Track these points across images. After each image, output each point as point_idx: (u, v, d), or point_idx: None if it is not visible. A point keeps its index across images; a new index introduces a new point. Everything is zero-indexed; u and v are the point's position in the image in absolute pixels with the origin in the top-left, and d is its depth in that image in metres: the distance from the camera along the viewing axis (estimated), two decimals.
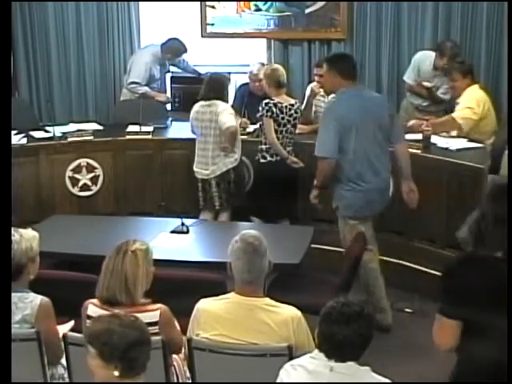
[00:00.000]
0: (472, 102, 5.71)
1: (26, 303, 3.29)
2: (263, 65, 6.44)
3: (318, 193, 4.89)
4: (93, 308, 3.31)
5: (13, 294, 3.29)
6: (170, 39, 7.00)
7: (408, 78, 6.66)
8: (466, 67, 5.92)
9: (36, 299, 3.33)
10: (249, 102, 6.32)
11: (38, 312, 3.29)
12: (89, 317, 3.31)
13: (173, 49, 7.01)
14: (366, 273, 4.81)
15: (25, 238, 3.41)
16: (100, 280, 3.33)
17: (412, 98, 6.72)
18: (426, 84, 6.48)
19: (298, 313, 3.19)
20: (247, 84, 6.64)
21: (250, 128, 6.14)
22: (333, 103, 4.92)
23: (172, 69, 7.41)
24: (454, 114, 5.74)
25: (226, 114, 5.55)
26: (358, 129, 4.68)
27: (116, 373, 2.59)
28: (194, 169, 5.74)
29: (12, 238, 3.38)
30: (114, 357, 2.59)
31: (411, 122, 5.92)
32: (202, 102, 5.68)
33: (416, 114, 6.48)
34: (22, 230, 3.48)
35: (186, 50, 7.04)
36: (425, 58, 6.55)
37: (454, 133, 5.81)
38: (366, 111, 4.72)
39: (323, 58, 6.74)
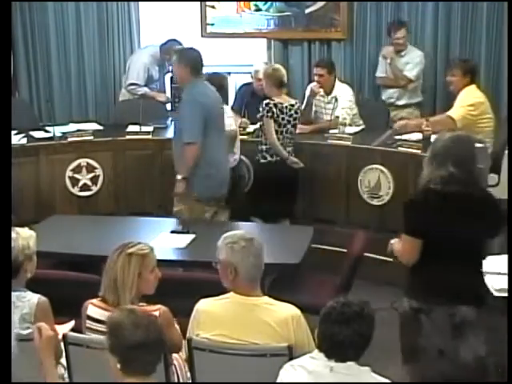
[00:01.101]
0: (468, 101, 5.70)
1: (24, 302, 3.29)
2: (267, 64, 6.44)
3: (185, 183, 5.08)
4: (93, 308, 3.31)
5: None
6: (168, 40, 6.99)
7: (379, 72, 6.79)
8: (468, 66, 5.90)
9: (34, 298, 3.33)
10: (250, 102, 6.32)
11: (36, 311, 3.29)
12: (89, 317, 3.31)
13: (171, 49, 7.00)
14: None
15: (22, 236, 3.41)
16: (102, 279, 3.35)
17: (385, 95, 6.77)
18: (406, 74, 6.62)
19: (298, 311, 3.19)
20: (248, 84, 6.65)
21: (250, 128, 6.14)
22: (194, 93, 5.08)
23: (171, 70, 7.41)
24: (449, 113, 5.73)
25: (225, 118, 5.55)
26: (215, 117, 5.11)
27: (118, 366, 2.62)
28: None
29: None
30: (117, 351, 2.62)
31: (401, 123, 5.92)
32: None
33: (392, 111, 6.55)
34: (18, 229, 3.48)
35: None
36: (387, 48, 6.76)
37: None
38: (216, 102, 5.22)
39: (322, 59, 6.79)
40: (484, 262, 3.49)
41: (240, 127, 5.92)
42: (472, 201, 3.27)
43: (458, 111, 5.67)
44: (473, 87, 5.81)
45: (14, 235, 3.39)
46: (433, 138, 5.52)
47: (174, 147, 5.29)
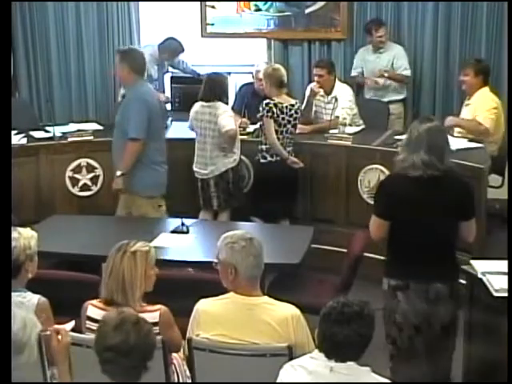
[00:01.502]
0: (490, 104, 5.71)
1: (24, 302, 3.29)
2: (267, 64, 6.45)
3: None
4: (93, 309, 3.31)
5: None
6: (167, 39, 6.99)
7: (354, 69, 6.90)
8: (481, 66, 5.89)
9: (34, 298, 3.33)
10: (250, 102, 6.31)
11: (35, 311, 3.28)
12: (89, 318, 3.31)
13: (170, 48, 7.00)
14: None
15: (23, 236, 3.42)
16: (102, 280, 3.35)
17: (368, 94, 6.85)
18: (377, 80, 6.70)
19: (297, 311, 3.20)
20: (249, 84, 6.65)
21: (250, 128, 6.14)
22: (141, 92, 5.24)
23: (171, 70, 7.40)
24: (478, 118, 5.71)
25: (225, 117, 5.55)
26: (157, 117, 5.32)
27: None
28: (194, 168, 5.75)
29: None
30: (96, 350, 2.60)
31: (455, 119, 5.87)
32: (201, 102, 5.68)
33: None
34: (20, 229, 3.48)
35: (183, 50, 7.03)
36: (365, 48, 6.85)
37: (456, 133, 5.83)
38: (158, 103, 5.48)
39: (322, 59, 6.79)
40: (484, 262, 3.62)
41: (240, 127, 5.92)
42: (442, 185, 3.49)
43: (485, 116, 5.66)
44: (486, 89, 5.80)
45: (15, 235, 3.39)
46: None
47: (113, 144, 5.42)
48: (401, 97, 6.83)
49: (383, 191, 3.63)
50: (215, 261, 3.32)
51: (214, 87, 5.65)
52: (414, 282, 3.50)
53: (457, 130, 5.83)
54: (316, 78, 6.26)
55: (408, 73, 6.72)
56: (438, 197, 3.48)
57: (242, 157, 5.82)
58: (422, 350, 3.54)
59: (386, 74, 6.67)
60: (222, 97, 5.68)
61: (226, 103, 5.77)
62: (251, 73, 6.69)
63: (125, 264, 3.29)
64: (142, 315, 3.07)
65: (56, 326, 3.00)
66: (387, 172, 5.55)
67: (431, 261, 3.49)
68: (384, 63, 6.73)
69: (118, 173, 5.26)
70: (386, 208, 3.55)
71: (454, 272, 3.61)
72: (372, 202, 5.57)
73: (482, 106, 5.71)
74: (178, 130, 6.44)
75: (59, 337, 2.93)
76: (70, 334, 3.28)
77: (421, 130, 3.49)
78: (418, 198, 3.48)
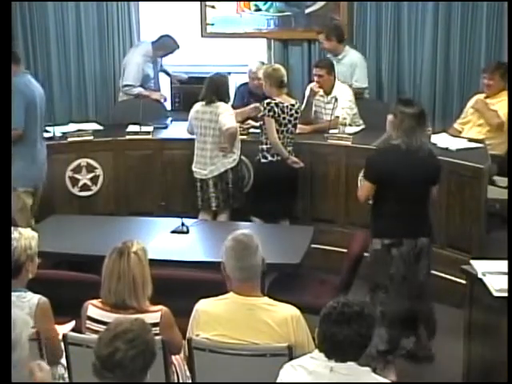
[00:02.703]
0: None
1: (24, 302, 3.29)
2: (262, 63, 6.44)
3: None
4: (94, 309, 3.30)
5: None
6: (161, 36, 6.96)
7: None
8: (505, 70, 5.88)
9: (34, 298, 3.32)
10: (249, 101, 6.30)
11: (36, 311, 3.28)
12: (89, 317, 3.30)
13: (164, 45, 6.97)
14: None
15: (24, 236, 3.42)
16: (105, 284, 3.30)
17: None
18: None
19: (297, 311, 3.20)
20: (246, 84, 6.64)
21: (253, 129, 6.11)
22: (18, 84, 5.27)
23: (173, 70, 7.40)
24: (501, 112, 5.75)
25: (226, 115, 5.55)
26: (34, 109, 5.41)
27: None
28: (193, 169, 5.75)
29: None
30: (95, 355, 2.56)
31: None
32: (202, 102, 5.68)
33: None
34: (21, 229, 3.48)
35: (178, 47, 7.00)
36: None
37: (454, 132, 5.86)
38: (38, 96, 5.52)
39: (321, 59, 6.78)
40: (484, 262, 3.65)
41: (241, 127, 5.92)
42: (421, 157, 4.17)
43: (505, 112, 5.71)
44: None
45: (16, 235, 3.39)
46: (433, 138, 5.57)
47: None
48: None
49: (374, 159, 4.29)
50: (218, 260, 3.34)
51: (215, 88, 5.64)
52: (406, 239, 4.13)
53: (460, 127, 5.86)
54: (316, 78, 6.26)
55: (362, 85, 6.60)
56: (419, 167, 4.17)
57: (242, 157, 5.82)
58: (408, 295, 4.20)
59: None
60: (224, 97, 5.67)
61: (227, 102, 5.76)
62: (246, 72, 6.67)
63: (133, 266, 3.27)
64: (143, 316, 3.08)
65: (38, 362, 2.90)
66: None
67: (416, 220, 4.19)
68: (343, 70, 6.60)
69: None
70: (374, 173, 4.20)
71: (430, 228, 4.32)
72: (372, 202, 5.63)
73: (505, 105, 5.75)
74: (177, 129, 6.44)
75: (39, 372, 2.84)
76: (69, 334, 3.29)
77: (410, 114, 4.13)
78: (401, 167, 4.13)
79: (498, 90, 5.86)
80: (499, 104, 5.81)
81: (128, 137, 6.25)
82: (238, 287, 3.23)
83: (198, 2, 7.31)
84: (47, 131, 6.23)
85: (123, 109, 6.86)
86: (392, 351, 4.26)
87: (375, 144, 5.75)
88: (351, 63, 6.59)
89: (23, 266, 3.39)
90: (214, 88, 5.63)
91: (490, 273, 3.61)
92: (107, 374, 2.50)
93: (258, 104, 5.83)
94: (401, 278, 4.17)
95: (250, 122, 6.14)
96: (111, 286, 3.26)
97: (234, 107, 5.99)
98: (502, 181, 5.77)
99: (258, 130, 5.86)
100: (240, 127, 5.82)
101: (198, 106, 5.70)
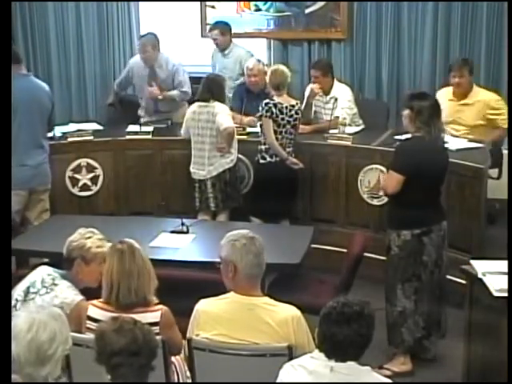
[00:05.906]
0: (502, 101, 5.86)
1: (62, 315, 3.28)
2: (259, 61, 6.42)
3: None
4: (93, 309, 3.31)
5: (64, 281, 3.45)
6: (145, 34, 6.71)
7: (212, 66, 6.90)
8: (472, 65, 5.90)
9: (76, 299, 3.41)
10: (248, 100, 6.28)
11: (70, 311, 3.31)
12: (89, 317, 3.30)
13: (147, 44, 6.69)
14: None
15: (93, 237, 3.62)
16: (107, 285, 3.31)
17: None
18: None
19: (298, 312, 3.19)
20: (243, 84, 6.63)
21: (251, 129, 6.10)
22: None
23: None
24: (502, 121, 5.83)
25: (223, 115, 5.55)
26: (21, 109, 5.19)
27: (108, 376, 2.58)
28: (191, 169, 5.74)
29: (81, 231, 3.65)
30: (102, 359, 2.58)
31: None
32: (199, 103, 5.68)
33: None
34: (97, 235, 3.69)
35: (158, 41, 6.57)
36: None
37: (456, 133, 5.85)
38: (32, 95, 5.31)
39: (318, 60, 6.77)
40: (484, 262, 3.69)
41: (240, 127, 5.92)
42: (439, 146, 4.40)
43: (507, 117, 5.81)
44: (478, 87, 5.86)
45: (85, 233, 3.63)
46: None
47: None
48: None
49: (402, 151, 4.40)
50: (218, 260, 3.33)
51: (212, 87, 5.64)
52: (434, 226, 4.29)
53: (458, 128, 5.86)
54: (313, 80, 6.27)
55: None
56: (440, 154, 4.40)
57: (242, 157, 5.82)
58: (439, 279, 4.40)
59: None
60: (220, 97, 5.67)
61: (225, 103, 5.77)
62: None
63: (140, 264, 3.30)
64: (143, 315, 3.08)
65: None
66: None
67: (438, 206, 4.39)
68: (230, 65, 6.71)
69: None
70: (404, 165, 4.26)
71: (445, 212, 4.52)
72: (373, 203, 5.65)
73: (503, 106, 5.78)
74: (177, 130, 6.43)
75: None
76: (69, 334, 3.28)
77: (426, 105, 4.27)
78: (431, 157, 4.28)
79: (468, 88, 5.85)
80: (472, 98, 5.81)
81: (128, 137, 6.25)
82: (242, 286, 3.23)
83: (198, 2, 7.33)
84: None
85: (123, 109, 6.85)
86: (428, 337, 4.42)
87: (375, 144, 5.77)
88: (236, 58, 6.75)
89: (73, 261, 3.54)
90: (210, 87, 5.63)
91: (490, 273, 3.61)
92: (134, 360, 2.53)
93: (255, 118, 5.88)
94: (433, 264, 4.33)
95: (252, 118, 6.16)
96: (131, 285, 3.26)
97: (231, 109, 5.99)
98: (493, 172, 5.80)
99: (258, 130, 5.87)
100: (237, 127, 5.82)
101: (195, 107, 5.69)
